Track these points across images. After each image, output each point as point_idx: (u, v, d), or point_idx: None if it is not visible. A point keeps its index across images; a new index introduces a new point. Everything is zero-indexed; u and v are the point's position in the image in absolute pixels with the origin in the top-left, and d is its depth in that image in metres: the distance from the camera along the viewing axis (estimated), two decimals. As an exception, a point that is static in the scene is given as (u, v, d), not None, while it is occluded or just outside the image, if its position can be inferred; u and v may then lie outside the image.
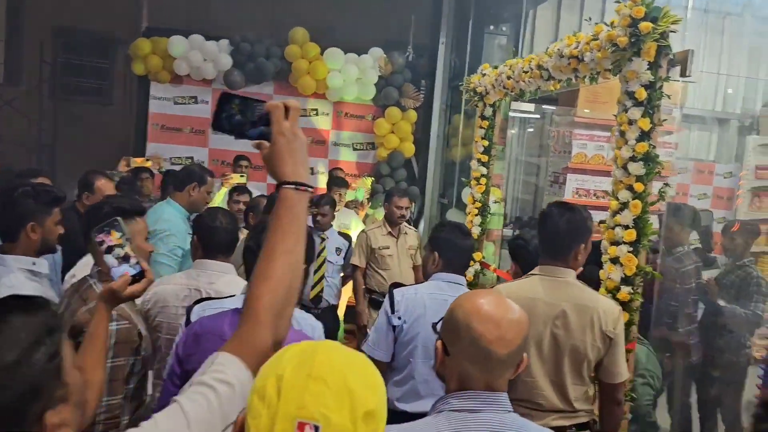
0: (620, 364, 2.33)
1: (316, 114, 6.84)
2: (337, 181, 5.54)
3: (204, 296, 2.31)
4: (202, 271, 2.50)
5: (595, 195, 4.18)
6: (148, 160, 5.57)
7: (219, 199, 5.48)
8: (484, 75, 4.53)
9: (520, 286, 2.40)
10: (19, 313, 0.95)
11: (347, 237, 4.83)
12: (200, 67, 6.25)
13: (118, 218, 1.67)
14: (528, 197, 6.18)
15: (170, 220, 3.33)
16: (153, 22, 6.46)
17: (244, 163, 6.06)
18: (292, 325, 1.27)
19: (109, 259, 1.62)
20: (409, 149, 6.72)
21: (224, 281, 2.46)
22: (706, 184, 6.90)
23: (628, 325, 2.67)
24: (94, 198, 3.39)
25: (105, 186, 3.57)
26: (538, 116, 5.60)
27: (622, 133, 2.69)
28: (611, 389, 2.34)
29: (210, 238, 2.51)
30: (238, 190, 4.80)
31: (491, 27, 6.22)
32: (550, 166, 5.08)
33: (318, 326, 2.16)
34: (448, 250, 2.67)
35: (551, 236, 2.38)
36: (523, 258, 2.91)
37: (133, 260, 1.64)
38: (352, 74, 6.42)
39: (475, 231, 4.52)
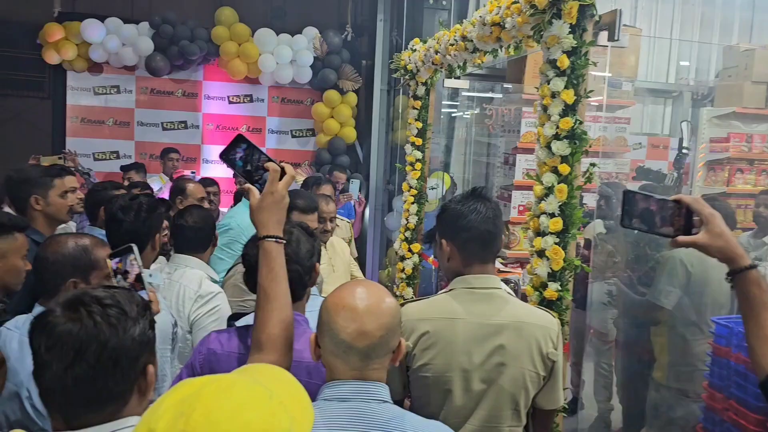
0: (560, 387, 1.89)
1: (251, 100, 6.40)
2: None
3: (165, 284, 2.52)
4: (173, 263, 2.66)
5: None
6: (60, 157, 5.04)
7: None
8: (414, 51, 4.16)
9: (433, 305, 1.86)
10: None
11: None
12: (119, 53, 5.75)
13: (133, 245, 1.69)
14: (479, 178, 5.85)
15: (234, 216, 3.57)
16: (66, 6, 5.93)
17: (175, 156, 5.68)
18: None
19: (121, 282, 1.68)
20: (350, 134, 6.32)
21: (180, 273, 2.60)
22: (662, 159, 6.69)
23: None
24: (188, 201, 3.62)
25: (196, 190, 3.82)
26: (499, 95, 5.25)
27: (545, 108, 2.36)
28: (547, 416, 1.92)
29: (176, 235, 2.70)
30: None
31: (431, 1, 5.82)
32: (500, 146, 4.78)
33: None
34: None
35: (481, 235, 1.85)
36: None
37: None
38: (285, 56, 5.99)
39: (412, 220, 4.19)
